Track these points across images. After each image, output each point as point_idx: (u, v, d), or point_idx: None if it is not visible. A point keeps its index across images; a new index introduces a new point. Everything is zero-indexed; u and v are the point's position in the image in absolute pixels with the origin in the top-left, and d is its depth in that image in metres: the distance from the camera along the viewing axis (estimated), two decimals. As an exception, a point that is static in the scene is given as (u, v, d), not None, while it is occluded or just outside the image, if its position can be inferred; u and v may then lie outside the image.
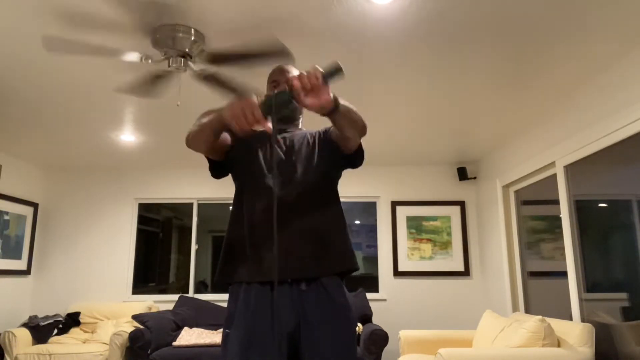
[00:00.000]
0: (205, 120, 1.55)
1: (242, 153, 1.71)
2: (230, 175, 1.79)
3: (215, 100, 3.55)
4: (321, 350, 1.51)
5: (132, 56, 2.71)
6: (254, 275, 1.56)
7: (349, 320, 1.59)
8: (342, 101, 1.45)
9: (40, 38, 2.69)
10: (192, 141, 1.62)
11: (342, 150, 1.67)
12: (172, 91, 3.44)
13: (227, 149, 1.72)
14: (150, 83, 3.00)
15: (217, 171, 1.77)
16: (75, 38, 2.68)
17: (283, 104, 1.41)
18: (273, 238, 1.55)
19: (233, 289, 1.61)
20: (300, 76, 1.35)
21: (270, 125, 1.42)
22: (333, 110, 1.43)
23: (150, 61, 2.76)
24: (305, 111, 1.85)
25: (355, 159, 1.72)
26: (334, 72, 1.36)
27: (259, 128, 1.44)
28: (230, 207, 1.72)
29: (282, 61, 2.74)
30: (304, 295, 1.54)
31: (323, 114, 1.43)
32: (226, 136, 1.70)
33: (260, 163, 1.66)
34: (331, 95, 1.39)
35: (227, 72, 2.98)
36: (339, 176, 1.76)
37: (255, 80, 3.25)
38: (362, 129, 1.59)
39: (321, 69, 1.36)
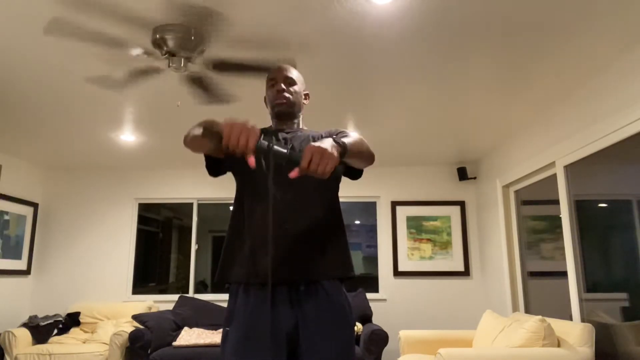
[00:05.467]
0: (202, 131, 1.47)
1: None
2: (230, 174, 1.78)
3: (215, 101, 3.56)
4: (320, 351, 1.51)
5: (136, 51, 2.69)
6: (251, 276, 1.55)
7: (348, 321, 1.59)
8: (348, 141, 1.41)
9: (40, 39, 2.69)
10: (189, 145, 1.56)
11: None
12: (173, 91, 3.44)
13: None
14: (132, 77, 2.96)
15: (214, 169, 1.74)
16: (80, 28, 2.68)
17: (281, 160, 1.34)
18: (272, 240, 1.55)
19: (233, 288, 1.61)
20: (312, 164, 1.28)
21: (252, 160, 1.35)
22: (340, 157, 1.38)
23: (152, 57, 2.76)
24: (305, 110, 1.85)
25: (354, 172, 1.73)
26: (338, 174, 1.34)
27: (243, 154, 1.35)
28: (231, 207, 1.72)
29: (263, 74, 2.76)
30: (302, 296, 1.54)
31: None
32: None
33: (260, 164, 1.66)
34: (332, 143, 1.34)
35: (215, 78, 2.98)
36: (339, 182, 1.76)
37: (251, 82, 3.26)
38: (369, 161, 1.59)
39: (337, 161, 1.31)
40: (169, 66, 2.73)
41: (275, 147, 1.33)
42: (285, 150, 1.33)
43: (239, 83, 3.26)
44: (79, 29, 2.52)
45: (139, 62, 2.93)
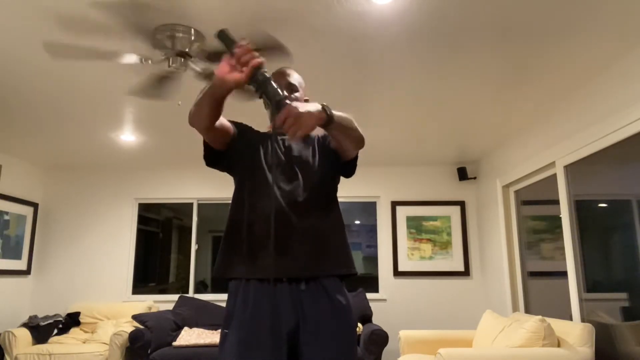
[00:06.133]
0: (203, 92, 1.50)
1: (244, 149, 1.70)
2: (229, 173, 1.78)
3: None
4: (321, 351, 1.51)
5: (131, 58, 2.71)
6: (251, 272, 1.56)
7: (349, 321, 1.59)
8: (336, 113, 1.46)
9: (40, 39, 2.69)
10: (193, 116, 1.54)
11: (340, 157, 1.69)
12: (173, 91, 3.44)
13: (228, 140, 1.69)
14: (157, 85, 3.00)
15: (212, 159, 1.73)
16: (75, 42, 2.68)
17: (273, 95, 1.37)
18: (270, 237, 1.55)
19: (232, 287, 1.60)
20: (285, 123, 1.34)
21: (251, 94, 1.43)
22: (325, 125, 1.44)
23: (150, 62, 2.76)
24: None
25: (348, 168, 1.74)
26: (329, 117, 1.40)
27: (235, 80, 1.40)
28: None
29: (279, 58, 2.76)
30: (303, 295, 1.54)
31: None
32: (228, 124, 1.68)
33: (261, 162, 1.67)
34: (318, 109, 1.40)
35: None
36: (338, 180, 1.77)
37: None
38: (358, 141, 1.60)
39: (311, 128, 1.36)
40: (169, 66, 2.74)
41: (273, 83, 1.37)
42: (280, 92, 1.37)
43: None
44: (77, 48, 2.55)
45: (147, 68, 2.93)
